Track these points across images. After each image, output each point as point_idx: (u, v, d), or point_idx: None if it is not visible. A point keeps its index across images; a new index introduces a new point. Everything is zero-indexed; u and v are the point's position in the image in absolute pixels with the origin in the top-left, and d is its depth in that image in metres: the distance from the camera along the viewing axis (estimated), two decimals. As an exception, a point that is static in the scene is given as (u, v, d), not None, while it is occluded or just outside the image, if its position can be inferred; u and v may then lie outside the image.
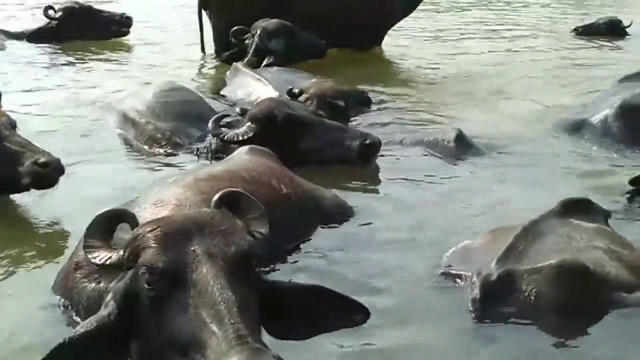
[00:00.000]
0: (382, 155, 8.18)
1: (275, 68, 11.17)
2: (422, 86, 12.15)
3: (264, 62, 11.56)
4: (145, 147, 8.50)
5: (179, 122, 8.83)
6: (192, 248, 3.61)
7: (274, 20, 11.94)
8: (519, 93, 11.37)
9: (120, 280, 3.84)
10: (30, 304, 5.10)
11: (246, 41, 11.96)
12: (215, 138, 7.87)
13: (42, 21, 14.31)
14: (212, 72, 12.78)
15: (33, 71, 12.25)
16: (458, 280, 5.40)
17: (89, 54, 13.42)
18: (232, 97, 10.56)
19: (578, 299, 4.96)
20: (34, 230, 6.57)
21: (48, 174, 6.52)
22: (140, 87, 10.54)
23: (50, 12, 14.10)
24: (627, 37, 15.96)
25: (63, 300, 4.84)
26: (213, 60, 13.18)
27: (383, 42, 14.30)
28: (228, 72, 11.41)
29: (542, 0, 21.35)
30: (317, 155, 7.85)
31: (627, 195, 7.26)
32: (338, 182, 7.41)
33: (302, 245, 6.04)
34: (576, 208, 5.92)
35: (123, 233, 4.00)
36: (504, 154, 8.50)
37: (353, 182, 7.56)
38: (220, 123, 7.85)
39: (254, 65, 11.42)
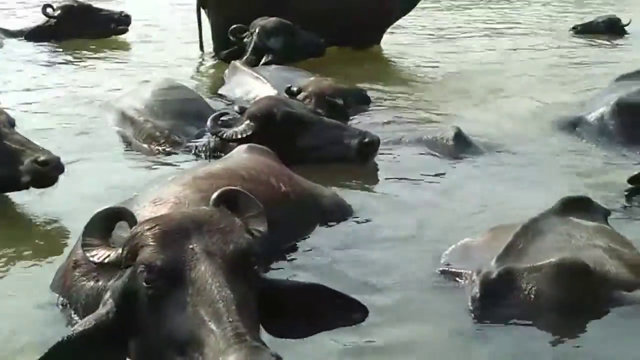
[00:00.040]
0: (381, 154, 8.18)
1: (273, 66, 11.17)
2: (421, 85, 12.15)
3: (263, 61, 11.55)
4: (144, 145, 8.49)
5: (177, 121, 8.83)
6: (191, 246, 3.60)
7: (273, 19, 11.93)
8: (518, 91, 11.37)
9: (119, 278, 3.83)
10: (29, 303, 5.10)
11: (245, 39, 11.95)
12: (214, 136, 7.86)
13: (41, 19, 14.29)
14: (211, 70, 12.78)
15: (32, 69, 12.25)
16: (458, 278, 5.39)
17: (88, 53, 13.41)
18: (230, 95, 10.55)
19: (578, 297, 4.96)
20: (33, 228, 6.56)
21: (48, 172, 6.52)
22: (139, 85, 10.54)
23: (49, 10, 14.09)
24: (626, 35, 15.96)
25: (62, 298, 4.84)
26: (212, 59, 13.17)
27: (382, 40, 14.29)
28: (227, 71, 11.41)
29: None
30: (316, 154, 7.84)
31: (626, 194, 7.26)
32: (337, 180, 7.40)
33: (300, 244, 6.04)
34: (576, 206, 5.92)
35: (121, 231, 4.00)
36: (503, 153, 8.50)
37: (352, 181, 7.55)
38: (219, 121, 7.85)
39: (253, 64, 11.41)
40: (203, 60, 13.33)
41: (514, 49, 14.63)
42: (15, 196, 6.92)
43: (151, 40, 14.77)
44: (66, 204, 6.75)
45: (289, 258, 5.82)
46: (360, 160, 7.95)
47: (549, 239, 5.41)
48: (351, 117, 9.48)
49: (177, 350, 3.48)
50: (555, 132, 9.19)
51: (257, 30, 11.80)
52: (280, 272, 5.54)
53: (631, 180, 7.28)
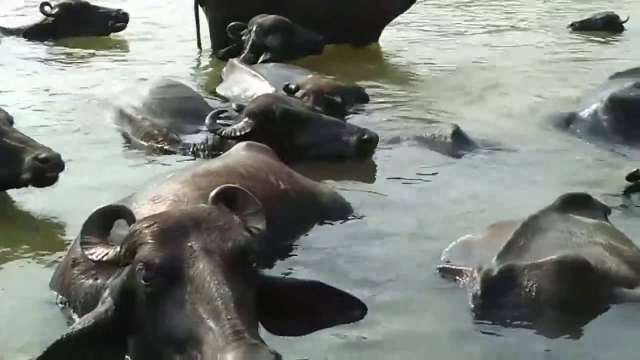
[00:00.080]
0: (380, 151, 8.17)
1: (271, 64, 11.16)
2: (419, 82, 12.14)
3: (261, 59, 11.55)
4: (143, 143, 8.49)
5: (175, 119, 8.83)
6: (189, 244, 3.61)
7: (271, 17, 11.92)
8: (516, 88, 11.37)
9: (118, 276, 3.83)
10: (28, 301, 5.10)
11: (243, 37, 11.94)
12: (212, 134, 7.86)
13: (38, 17, 14.28)
14: (209, 68, 12.77)
15: (29, 67, 12.23)
16: (458, 275, 5.38)
17: (86, 50, 13.39)
18: (228, 93, 10.54)
19: (579, 294, 4.96)
20: (31, 226, 6.56)
21: (49, 169, 6.52)
22: (137, 83, 10.53)
23: (47, 8, 14.08)
24: (624, 32, 15.95)
25: (60, 297, 4.83)
26: (210, 57, 13.16)
27: (380, 38, 14.28)
28: (225, 69, 11.40)
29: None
30: (315, 151, 7.84)
31: (624, 191, 7.26)
32: (335, 178, 7.41)
33: (299, 241, 6.04)
34: (575, 203, 5.92)
35: (120, 229, 3.99)
36: (501, 150, 8.50)
37: (350, 178, 7.55)
38: (217, 119, 7.85)
39: (251, 62, 11.41)
40: (201, 58, 13.32)
41: (513, 46, 14.62)
42: (14, 194, 6.91)
43: (149, 38, 14.75)
44: (65, 202, 6.75)
45: (287, 255, 5.81)
46: (359, 157, 7.95)
47: (550, 236, 5.41)
48: (349, 115, 9.48)
49: (176, 348, 3.48)
50: (551, 129, 9.20)
51: (255, 28, 11.80)
52: (279, 269, 5.54)
53: (629, 177, 7.29)
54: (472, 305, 5.03)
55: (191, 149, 8.19)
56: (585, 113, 9.14)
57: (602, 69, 11.92)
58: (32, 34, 14.05)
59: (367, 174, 7.85)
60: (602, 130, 8.90)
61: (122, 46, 14.26)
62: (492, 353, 4.75)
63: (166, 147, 8.35)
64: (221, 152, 7.29)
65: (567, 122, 9.19)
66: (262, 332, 3.78)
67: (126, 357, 3.83)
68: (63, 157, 6.65)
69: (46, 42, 13.82)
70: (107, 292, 3.86)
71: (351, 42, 13.62)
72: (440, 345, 4.82)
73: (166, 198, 5.09)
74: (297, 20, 11.99)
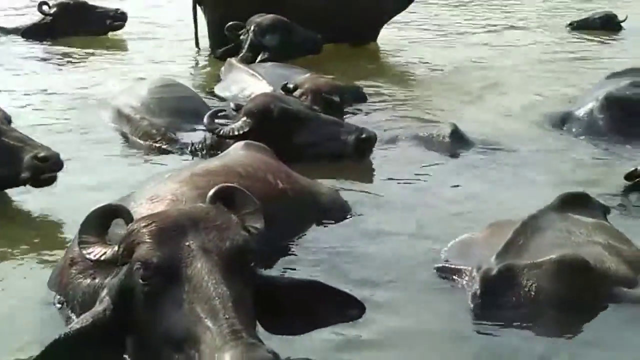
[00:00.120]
0: (378, 150, 8.17)
1: (269, 63, 11.15)
2: (417, 81, 12.15)
3: (259, 58, 11.54)
4: (140, 142, 8.48)
5: (173, 118, 8.83)
6: (187, 243, 3.61)
7: (270, 16, 11.91)
8: (515, 87, 11.37)
9: (115, 275, 3.84)
10: (26, 301, 5.09)
11: (241, 37, 11.93)
12: (211, 133, 7.86)
13: (37, 17, 14.27)
14: (207, 67, 12.76)
15: (27, 67, 12.21)
16: (457, 274, 5.37)
17: (84, 50, 13.38)
18: (226, 92, 10.53)
19: (578, 293, 4.96)
20: (30, 226, 6.55)
21: (48, 168, 6.51)
22: (135, 82, 10.52)
23: (45, 8, 14.07)
24: (622, 31, 15.96)
25: (58, 296, 4.83)
26: (208, 56, 13.15)
27: (379, 37, 14.27)
28: (223, 68, 11.40)
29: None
30: (313, 150, 7.84)
31: (623, 191, 7.26)
32: (334, 177, 7.40)
33: (298, 241, 6.03)
34: (574, 203, 5.92)
35: (118, 229, 3.99)
36: (500, 149, 8.49)
37: (349, 178, 7.54)
38: (215, 118, 7.84)
39: (249, 61, 11.39)
40: (199, 57, 13.31)
41: (512, 45, 14.62)
42: (13, 194, 6.91)
43: (147, 37, 14.73)
44: (63, 201, 6.74)
45: (286, 255, 5.81)
46: (357, 156, 7.95)
47: (549, 236, 5.41)
48: (347, 115, 9.47)
49: (174, 347, 3.48)
50: (549, 128, 9.21)
51: (253, 28, 11.79)
52: (277, 268, 5.54)
53: (627, 176, 7.29)
54: (471, 305, 5.02)
55: (189, 149, 8.19)
56: (581, 112, 9.16)
57: (600, 68, 11.93)
58: (30, 33, 14.04)
59: (366, 173, 7.85)
60: (598, 129, 8.91)
61: (120, 46, 14.25)
62: (491, 352, 4.74)
63: (164, 147, 8.35)
64: (219, 152, 7.28)
65: (564, 121, 9.21)
66: (260, 331, 3.78)
67: (124, 356, 3.83)
68: (61, 157, 6.64)
69: (44, 42, 13.81)
70: (105, 291, 3.87)
71: (350, 41, 13.61)
72: (439, 345, 4.82)
73: (164, 197, 5.09)
74: (296, 20, 11.98)
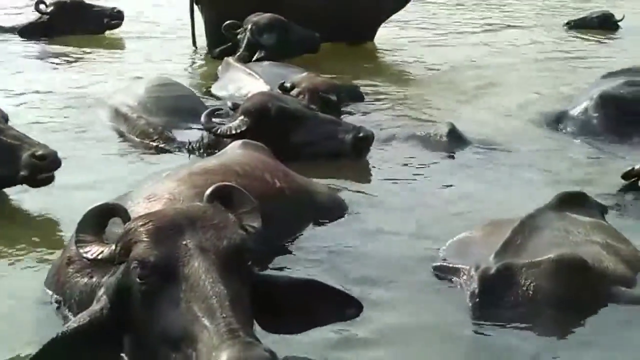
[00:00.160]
0: (375, 150, 8.17)
1: (266, 62, 11.14)
2: (415, 81, 12.15)
3: (255, 57, 11.53)
4: (138, 141, 8.48)
5: (171, 117, 8.82)
6: (184, 242, 3.61)
7: (267, 15, 11.90)
8: (512, 87, 11.38)
9: (113, 274, 3.83)
10: (23, 300, 5.08)
11: (238, 36, 11.92)
12: (208, 132, 7.85)
13: (34, 16, 14.25)
14: (204, 67, 12.75)
15: (24, 66, 12.19)
16: (455, 273, 5.36)
17: (81, 49, 13.36)
18: (223, 91, 10.53)
19: (576, 293, 4.96)
20: (27, 224, 6.54)
21: (46, 166, 6.50)
22: (132, 81, 10.51)
23: (42, 6, 14.06)
24: (620, 31, 15.99)
25: (55, 295, 4.82)
26: (205, 55, 13.14)
27: (376, 36, 14.28)
28: (220, 67, 11.39)
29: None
30: (311, 149, 7.84)
31: (620, 190, 7.26)
32: (331, 176, 7.40)
33: (295, 240, 6.03)
34: (572, 202, 5.93)
35: (115, 227, 3.99)
36: (497, 149, 8.50)
37: (346, 177, 7.54)
38: (213, 117, 7.84)
39: (246, 60, 11.38)
40: (196, 56, 13.30)
41: (509, 45, 14.64)
42: (10, 193, 6.90)
43: (144, 36, 14.73)
44: (60, 200, 6.73)
45: (283, 254, 5.80)
46: (354, 155, 7.94)
47: (547, 235, 5.41)
48: (344, 114, 9.47)
49: (171, 346, 3.48)
50: (546, 127, 9.21)
51: (250, 27, 11.77)
52: (275, 267, 5.53)
53: (624, 176, 7.29)
54: (470, 304, 5.02)
55: (187, 147, 8.19)
56: (576, 111, 9.17)
57: (597, 67, 11.94)
58: (27, 32, 14.03)
59: (363, 172, 7.85)
60: (593, 128, 8.93)
61: (118, 45, 14.25)
62: (489, 351, 4.74)
63: (161, 146, 8.34)
64: (217, 151, 7.28)
65: (559, 120, 9.22)
66: (258, 330, 3.78)
67: (121, 355, 3.83)
68: (59, 155, 6.64)
69: (41, 41, 13.79)
70: (102, 290, 3.87)
71: (347, 40, 13.61)
72: (437, 344, 4.81)
73: (162, 196, 5.08)
74: (293, 19, 11.97)
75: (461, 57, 13.32)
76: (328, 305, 4.04)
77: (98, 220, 3.96)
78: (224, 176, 5.44)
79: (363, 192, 7.26)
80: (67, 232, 5.78)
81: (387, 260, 5.80)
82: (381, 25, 14.31)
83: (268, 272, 5.29)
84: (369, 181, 7.70)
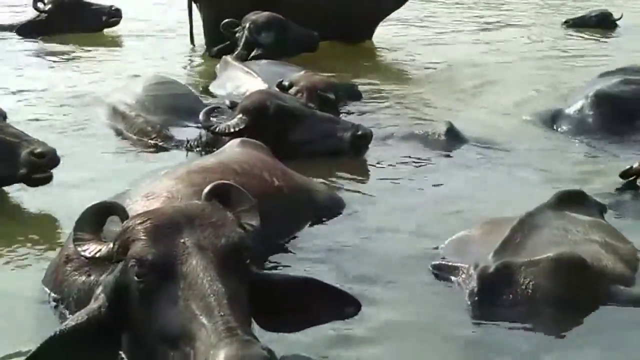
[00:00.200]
0: (373, 148, 8.16)
1: (264, 61, 11.13)
2: (413, 79, 12.14)
3: (252, 54, 11.51)
4: (136, 140, 8.47)
5: (169, 115, 8.82)
6: (182, 240, 3.60)
7: (265, 13, 11.89)
8: (510, 85, 11.37)
9: (111, 273, 3.83)
10: (20, 298, 5.08)
11: (237, 34, 11.91)
12: (206, 131, 7.84)
13: (32, 14, 14.24)
14: (202, 65, 12.74)
15: (23, 64, 12.19)
16: (454, 272, 5.36)
17: (79, 47, 13.34)
18: (221, 90, 10.52)
19: (575, 291, 4.96)
20: (25, 222, 6.53)
21: (45, 164, 6.49)
22: (130, 80, 10.51)
23: (40, 5, 14.04)
24: (618, 29, 16.00)
25: (53, 294, 4.81)
26: (203, 54, 13.13)
27: (374, 35, 14.27)
28: (218, 65, 11.38)
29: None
30: (309, 147, 7.84)
31: (618, 189, 7.26)
32: (329, 174, 7.40)
33: (293, 238, 6.03)
34: (571, 200, 5.92)
35: (114, 226, 3.99)
36: (495, 147, 8.49)
37: (344, 175, 7.54)
38: (211, 116, 7.83)
39: (244, 59, 11.37)
40: (194, 55, 13.29)
41: (507, 43, 14.63)
42: (9, 190, 6.89)
43: (142, 34, 14.72)
44: (58, 198, 6.73)
45: (281, 252, 5.80)
46: (353, 153, 7.94)
47: (546, 233, 5.41)
48: (342, 112, 9.46)
49: (169, 345, 3.48)
50: (543, 126, 9.21)
51: (248, 25, 11.76)
52: (273, 266, 5.53)
53: (622, 174, 7.29)
54: (468, 302, 5.02)
55: (185, 146, 8.18)
56: (571, 110, 9.18)
57: (595, 66, 11.94)
58: (25, 30, 14.01)
59: (361, 170, 7.84)
60: (588, 126, 8.93)
61: (116, 43, 14.24)
62: (488, 350, 4.74)
63: (160, 144, 8.34)
64: (215, 149, 7.28)
65: (555, 119, 9.22)
66: (255, 328, 3.77)
67: (119, 353, 3.82)
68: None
69: (39, 39, 13.78)
70: (100, 288, 3.86)
71: (345, 39, 13.60)
72: (435, 342, 4.81)
73: (160, 194, 5.08)
74: (291, 18, 11.96)
75: (460, 56, 13.31)
76: (326, 303, 4.04)
77: (96, 218, 3.96)
78: (223, 174, 5.44)
79: (361, 191, 7.26)
80: (65, 230, 5.77)
81: (386, 259, 5.79)
82: (379, 24, 14.30)
83: (266, 270, 5.29)
84: (367, 179, 7.69)
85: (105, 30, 14.57)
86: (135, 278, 3.60)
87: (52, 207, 6.67)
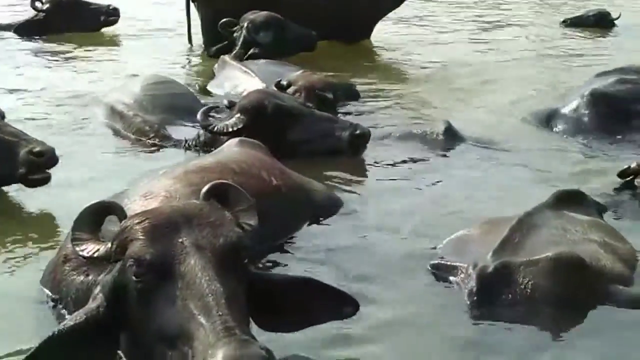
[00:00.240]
0: (371, 147, 8.16)
1: (262, 60, 11.12)
2: (411, 79, 12.14)
3: (248, 53, 11.50)
4: (134, 139, 8.47)
5: (167, 115, 8.81)
6: (180, 240, 3.60)
7: (263, 13, 11.88)
8: (508, 84, 11.37)
9: (109, 272, 3.83)
10: (19, 298, 5.07)
11: (235, 34, 11.91)
12: (204, 130, 7.84)
13: (29, 13, 14.23)
14: (200, 64, 12.73)
15: (20, 63, 12.18)
16: (452, 271, 5.36)
17: (76, 47, 13.34)
18: (219, 89, 10.52)
19: (574, 291, 4.96)
20: (22, 222, 6.53)
21: (43, 163, 6.49)
22: (128, 79, 10.50)
23: (38, 4, 14.02)
24: (616, 29, 16.00)
25: (51, 294, 4.81)
26: (201, 53, 13.13)
27: (373, 34, 14.26)
28: (216, 65, 11.38)
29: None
30: (307, 146, 7.83)
31: (616, 188, 7.26)
32: (327, 174, 7.40)
33: (292, 237, 6.03)
34: (570, 200, 5.92)
35: (112, 225, 3.98)
36: (493, 147, 8.49)
37: (342, 175, 7.54)
38: (209, 115, 7.83)
39: (242, 58, 11.37)
40: (192, 54, 13.28)
41: (505, 42, 14.63)
42: (7, 190, 6.88)
43: (140, 34, 14.71)
44: (56, 198, 6.73)
45: (279, 252, 5.80)
46: (351, 152, 7.94)
47: (545, 233, 5.41)
48: (340, 112, 9.46)
49: (167, 344, 3.48)
50: (541, 125, 9.21)
51: (246, 25, 11.75)
52: (271, 265, 5.53)
53: (620, 174, 7.29)
54: (467, 302, 5.02)
55: (183, 145, 8.18)
56: (567, 109, 9.18)
57: (593, 65, 11.93)
58: (23, 29, 13.99)
59: (359, 170, 7.84)
60: (585, 126, 8.93)
61: (114, 42, 14.23)
62: (487, 349, 4.73)
63: (158, 143, 8.34)
64: (213, 148, 7.28)
65: (551, 118, 9.22)
66: (254, 328, 3.77)
67: (118, 353, 3.82)
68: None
69: (37, 38, 13.77)
70: (98, 288, 3.86)
71: (343, 38, 13.59)
72: (434, 342, 4.81)
73: (158, 194, 5.08)
74: (289, 17, 11.95)
75: (458, 55, 13.31)
76: (325, 303, 4.04)
77: (94, 218, 3.96)
78: (221, 174, 5.43)
79: (359, 190, 7.26)
80: (64, 229, 5.77)
81: (384, 258, 5.79)
82: (378, 23, 14.30)
83: (264, 270, 5.29)
84: (365, 179, 7.70)
85: (104, 30, 14.56)
86: (134, 278, 3.59)
87: (50, 207, 6.67)
